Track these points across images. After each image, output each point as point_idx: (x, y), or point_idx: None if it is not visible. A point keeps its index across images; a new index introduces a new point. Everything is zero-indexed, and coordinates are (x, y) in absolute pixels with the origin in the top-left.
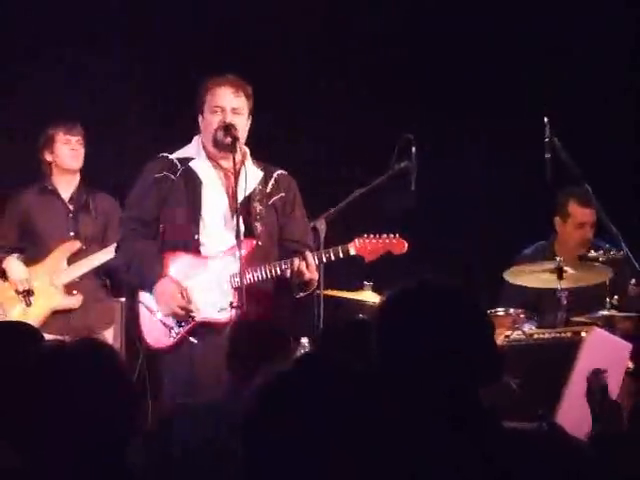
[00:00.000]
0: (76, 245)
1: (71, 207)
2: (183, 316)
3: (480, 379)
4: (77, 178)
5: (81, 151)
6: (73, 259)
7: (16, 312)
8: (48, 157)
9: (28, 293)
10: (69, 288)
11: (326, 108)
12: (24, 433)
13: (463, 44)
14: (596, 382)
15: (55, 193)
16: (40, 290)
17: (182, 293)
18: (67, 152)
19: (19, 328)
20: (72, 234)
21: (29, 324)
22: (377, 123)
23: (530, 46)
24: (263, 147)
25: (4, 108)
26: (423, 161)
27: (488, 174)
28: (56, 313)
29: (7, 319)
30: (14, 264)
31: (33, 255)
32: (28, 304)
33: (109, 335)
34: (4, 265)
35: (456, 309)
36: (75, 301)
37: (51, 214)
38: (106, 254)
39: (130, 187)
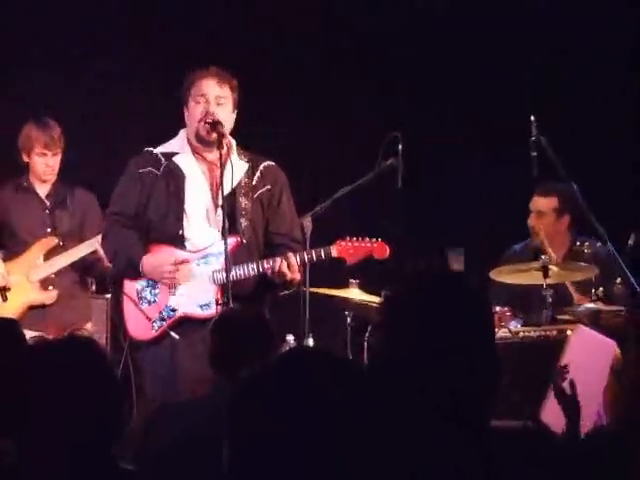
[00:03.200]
0: (53, 241)
1: (48, 203)
2: (173, 278)
3: (482, 378)
4: (55, 177)
5: (56, 164)
6: (50, 255)
7: None
8: (25, 159)
9: (4, 288)
10: (45, 284)
11: (317, 106)
12: (11, 430)
13: (462, 43)
14: (561, 379)
15: (31, 190)
16: (16, 285)
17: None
18: (42, 167)
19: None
20: (49, 230)
21: (9, 318)
22: (370, 122)
23: (530, 45)
24: (252, 144)
25: (4, 108)
26: (419, 160)
27: (484, 174)
28: (32, 308)
29: None
30: None
31: (10, 251)
32: (4, 299)
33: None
34: None
35: (465, 304)
36: (50, 297)
37: (28, 211)
38: (81, 250)
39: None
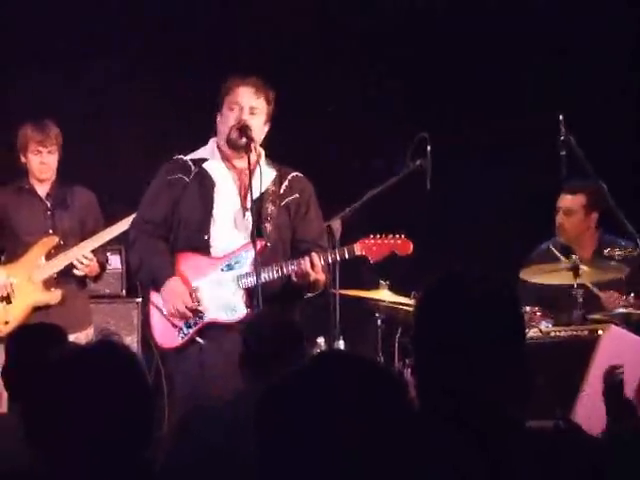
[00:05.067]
0: (54, 241)
1: (49, 204)
2: (189, 317)
3: (484, 379)
4: (53, 175)
5: (53, 162)
6: (51, 255)
7: None
8: (23, 159)
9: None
10: (47, 284)
11: (340, 107)
12: (45, 434)
13: (461, 43)
14: (612, 379)
15: (32, 192)
16: (19, 287)
17: (191, 294)
18: (37, 165)
19: (44, 329)
20: (50, 231)
21: (55, 325)
22: (389, 123)
23: (530, 45)
24: (278, 148)
25: (4, 108)
26: (433, 161)
27: (498, 175)
28: (36, 309)
29: None
30: None
31: (12, 253)
32: (8, 302)
33: (88, 336)
34: None
35: (466, 305)
36: (55, 297)
37: (29, 212)
38: (82, 249)
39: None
